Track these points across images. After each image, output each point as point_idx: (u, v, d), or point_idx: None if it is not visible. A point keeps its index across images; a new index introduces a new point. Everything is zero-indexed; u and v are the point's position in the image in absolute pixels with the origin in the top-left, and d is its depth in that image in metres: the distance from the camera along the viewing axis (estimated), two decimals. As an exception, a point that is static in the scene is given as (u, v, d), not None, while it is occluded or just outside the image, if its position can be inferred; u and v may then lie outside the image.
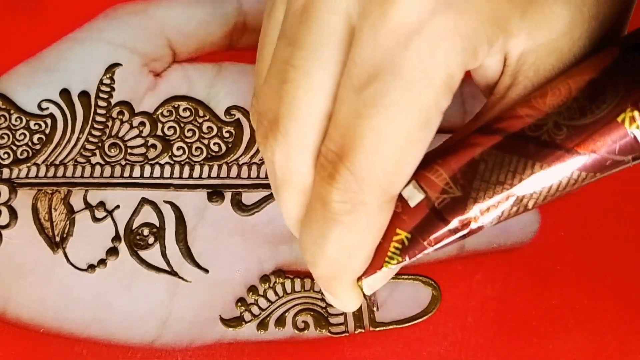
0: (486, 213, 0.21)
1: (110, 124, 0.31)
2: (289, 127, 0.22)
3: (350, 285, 0.24)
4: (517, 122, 0.21)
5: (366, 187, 0.21)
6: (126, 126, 0.31)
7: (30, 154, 0.30)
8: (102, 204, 0.30)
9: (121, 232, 0.30)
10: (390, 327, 0.30)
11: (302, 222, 0.24)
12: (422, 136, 0.20)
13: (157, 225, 0.30)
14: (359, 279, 0.24)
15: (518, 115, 0.21)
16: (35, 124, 0.31)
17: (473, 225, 0.21)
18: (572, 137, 0.20)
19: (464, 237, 0.22)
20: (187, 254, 0.30)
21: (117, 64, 0.31)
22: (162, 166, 0.31)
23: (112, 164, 0.30)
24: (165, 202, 0.30)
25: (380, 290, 0.27)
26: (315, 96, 0.21)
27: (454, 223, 0.21)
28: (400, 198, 0.22)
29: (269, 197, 0.30)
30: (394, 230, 0.22)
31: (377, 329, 0.30)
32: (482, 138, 0.21)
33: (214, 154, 0.31)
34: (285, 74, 0.21)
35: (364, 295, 0.25)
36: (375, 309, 0.29)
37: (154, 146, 0.31)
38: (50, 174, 0.30)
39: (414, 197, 0.22)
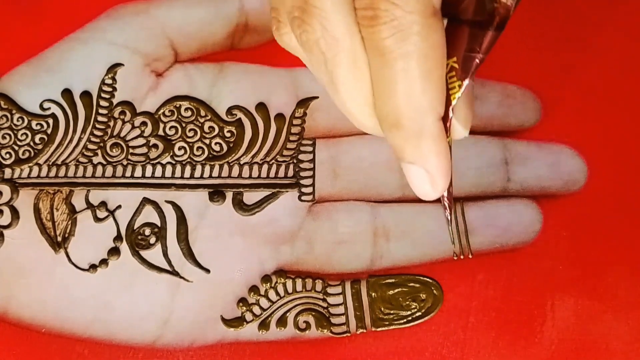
0: None
1: (112, 124, 0.31)
2: None
3: (439, 133, 0.23)
4: None
5: (408, 5, 0.21)
6: (128, 126, 0.31)
7: (32, 154, 0.30)
8: (103, 203, 0.30)
9: (123, 232, 0.30)
10: (392, 327, 0.30)
11: (373, 98, 0.23)
12: None
13: (159, 225, 0.30)
14: (447, 133, 0.23)
15: None
16: (37, 124, 0.31)
17: (499, 9, 0.22)
18: None
19: (500, 27, 0.22)
20: (189, 253, 0.30)
21: (118, 64, 0.31)
22: (163, 166, 0.31)
23: (114, 163, 0.30)
24: (167, 202, 0.30)
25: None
26: None
27: (484, 18, 0.22)
28: None
29: (270, 197, 0.30)
30: None
31: (379, 329, 0.30)
32: None
33: (215, 153, 0.31)
34: None
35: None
36: (447, 211, 0.26)
37: (155, 146, 0.31)
38: (52, 174, 0.30)
39: None
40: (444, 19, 0.22)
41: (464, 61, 0.23)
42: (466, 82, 0.23)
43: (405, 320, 0.30)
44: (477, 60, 0.22)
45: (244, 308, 0.30)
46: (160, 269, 0.30)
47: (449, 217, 0.25)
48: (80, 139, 0.31)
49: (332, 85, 0.23)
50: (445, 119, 0.23)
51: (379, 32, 0.21)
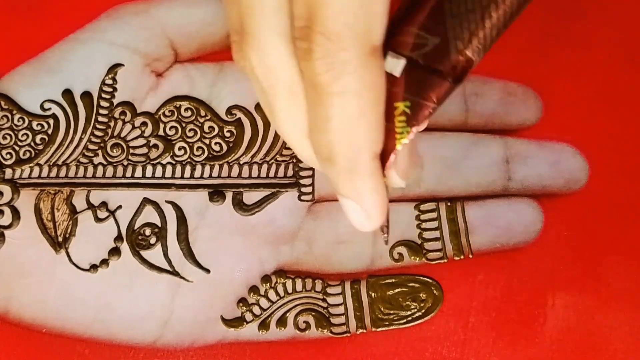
0: (469, 45, 0.21)
1: (112, 124, 0.31)
2: (254, 24, 0.21)
3: (372, 171, 0.22)
4: None
5: (343, 41, 0.20)
6: (128, 126, 0.31)
7: (33, 154, 0.31)
8: (104, 204, 0.30)
9: (123, 232, 0.30)
10: (392, 327, 0.30)
11: (308, 130, 0.23)
12: None
13: (159, 225, 0.30)
14: (384, 171, 0.23)
15: None
16: (37, 125, 0.31)
17: (462, 62, 0.21)
18: None
19: (459, 80, 0.21)
20: (189, 254, 0.30)
21: (119, 64, 0.31)
22: (163, 166, 0.31)
23: (115, 164, 0.31)
24: (167, 202, 0.30)
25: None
26: None
27: (445, 68, 0.21)
28: (387, 76, 0.22)
29: (270, 197, 0.30)
30: (392, 107, 0.22)
31: (379, 329, 0.30)
32: None
33: (215, 153, 0.31)
34: None
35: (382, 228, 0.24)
36: (385, 235, 0.26)
37: (155, 146, 0.31)
38: (53, 174, 0.30)
39: (396, 65, 0.22)
40: (402, 60, 0.22)
41: (416, 108, 0.22)
42: (415, 129, 0.22)
43: (405, 320, 0.30)
44: (430, 110, 0.22)
45: (244, 308, 0.30)
46: (160, 269, 0.30)
47: (387, 240, 0.26)
48: (80, 140, 0.31)
49: (270, 114, 0.23)
50: (384, 159, 0.22)
51: (312, 68, 0.20)
